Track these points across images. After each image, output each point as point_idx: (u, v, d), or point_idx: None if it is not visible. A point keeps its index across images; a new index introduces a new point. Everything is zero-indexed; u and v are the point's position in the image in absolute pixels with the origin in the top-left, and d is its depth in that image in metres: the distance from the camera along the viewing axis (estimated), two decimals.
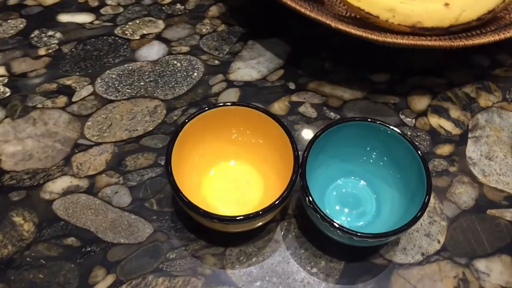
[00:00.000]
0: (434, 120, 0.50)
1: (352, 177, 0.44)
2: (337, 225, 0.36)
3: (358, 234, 0.36)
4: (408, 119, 0.50)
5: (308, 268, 0.40)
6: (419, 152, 0.39)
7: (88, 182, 0.44)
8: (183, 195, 0.37)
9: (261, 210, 0.36)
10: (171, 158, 0.38)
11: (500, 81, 0.54)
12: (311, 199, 0.37)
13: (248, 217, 0.36)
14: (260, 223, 0.39)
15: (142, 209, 0.43)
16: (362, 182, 0.44)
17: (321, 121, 0.49)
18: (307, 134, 0.48)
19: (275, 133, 0.41)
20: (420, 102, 0.52)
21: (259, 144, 0.43)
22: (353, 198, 0.43)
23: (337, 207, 0.42)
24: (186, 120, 0.40)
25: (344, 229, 0.36)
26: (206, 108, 0.41)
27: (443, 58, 0.55)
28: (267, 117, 0.41)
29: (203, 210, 0.36)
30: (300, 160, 0.39)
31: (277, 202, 0.37)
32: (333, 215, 0.42)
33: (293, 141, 0.39)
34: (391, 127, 0.41)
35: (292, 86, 0.52)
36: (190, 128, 0.40)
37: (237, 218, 0.36)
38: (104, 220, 0.42)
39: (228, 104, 0.41)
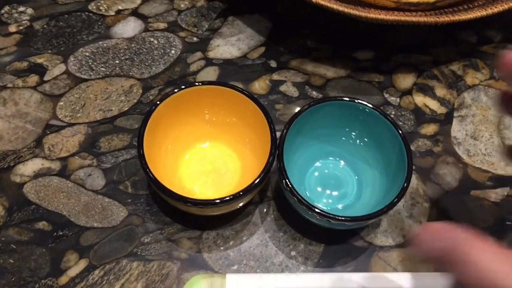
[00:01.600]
0: (419, 99, 0.49)
1: (331, 158, 0.43)
2: (314, 208, 0.35)
3: (336, 217, 0.35)
4: (392, 98, 0.49)
5: (287, 251, 0.40)
6: (400, 131, 0.38)
7: (60, 164, 0.43)
8: (155, 178, 0.35)
9: (237, 193, 0.35)
10: (143, 141, 0.37)
11: (488, 58, 0.52)
12: (288, 181, 0.36)
13: (223, 201, 0.35)
14: (237, 206, 0.38)
15: (116, 192, 0.42)
16: (343, 163, 0.42)
17: (303, 101, 0.48)
18: (289, 114, 0.47)
19: (251, 112, 0.39)
20: (405, 81, 0.50)
21: (234, 124, 0.42)
22: (334, 180, 0.42)
23: (319, 189, 0.41)
24: (158, 102, 0.38)
25: (322, 212, 0.35)
26: (176, 90, 0.39)
27: (429, 34, 0.54)
28: (242, 95, 0.39)
29: (177, 194, 0.35)
30: (278, 141, 0.37)
31: (252, 185, 0.35)
32: (314, 197, 0.41)
33: (270, 121, 0.38)
34: (370, 105, 0.39)
35: (273, 64, 0.50)
36: (163, 109, 0.38)
37: (212, 201, 0.35)
38: (76, 203, 0.41)
39: (199, 84, 0.39)
